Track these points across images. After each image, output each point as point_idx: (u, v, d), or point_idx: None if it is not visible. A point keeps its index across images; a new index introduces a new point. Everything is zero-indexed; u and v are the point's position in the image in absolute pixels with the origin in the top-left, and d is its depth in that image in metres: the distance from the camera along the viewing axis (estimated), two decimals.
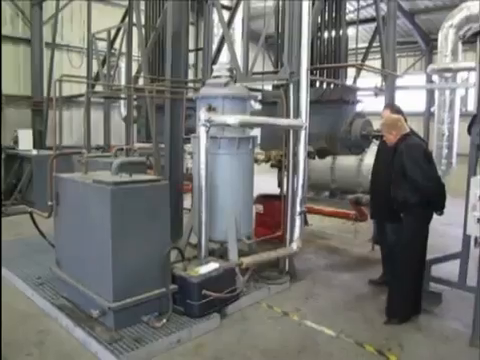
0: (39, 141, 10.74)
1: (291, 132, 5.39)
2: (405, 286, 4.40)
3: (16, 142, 9.73)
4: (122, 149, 7.06)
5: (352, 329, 4.32)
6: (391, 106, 5.46)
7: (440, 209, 4.43)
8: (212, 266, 4.53)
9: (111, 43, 8.89)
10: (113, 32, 8.76)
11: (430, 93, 12.13)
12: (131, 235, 3.99)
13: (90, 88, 8.75)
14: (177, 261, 5.10)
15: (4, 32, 10.86)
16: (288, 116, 5.38)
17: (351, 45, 7.30)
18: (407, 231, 4.37)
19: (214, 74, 5.30)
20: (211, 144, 5.00)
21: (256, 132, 6.59)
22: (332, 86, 6.53)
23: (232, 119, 4.52)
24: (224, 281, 4.49)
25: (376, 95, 6.74)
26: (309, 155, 6.27)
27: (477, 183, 3.95)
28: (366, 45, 7.69)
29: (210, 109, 4.83)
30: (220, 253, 5.42)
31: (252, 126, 4.92)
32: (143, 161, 5.00)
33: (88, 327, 4.00)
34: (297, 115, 5.28)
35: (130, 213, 3.97)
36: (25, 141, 9.67)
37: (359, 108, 6.72)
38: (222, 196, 5.15)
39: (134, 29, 7.71)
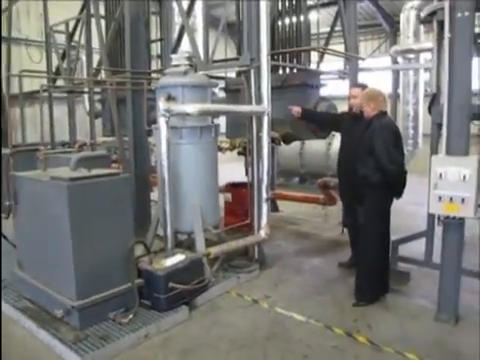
0: (3, 139, 10.36)
1: (254, 119, 5.33)
2: (370, 267, 4.45)
3: None
4: (85, 144, 6.91)
5: (321, 313, 4.34)
6: (361, 85, 5.41)
7: (398, 194, 4.48)
8: (178, 258, 4.48)
9: (71, 36, 8.60)
10: (73, 24, 8.46)
11: (396, 75, 12.24)
12: (92, 231, 3.88)
13: (51, 83, 8.48)
14: (144, 255, 5.03)
15: None
16: (250, 103, 5.32)
17: (315, 30, 7.25)
18: (368, 211, 4.41)
19: (173, 63, 5.18)
20: (173, 134, 4.91)
21: (221, 120, 6.53)
22: (295, 71, 6.48)
23: (191, 108, 4.43)
24: (191, 272, 4.43)
25: (342, 78, 6.74)
26: (274, 141, 6.26)
27: (438, 161, 3.97)
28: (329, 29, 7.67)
29: (169, 99, 4.73)
30: (188, 244, 5.36)
31: (212, 114, 4.85)
32: (104, 155, 4.86)
33: (53, 328, 3.88)
34: (259, 101, 5.23)
35: (89, 209, 3.85)
36: None
37: (325, 92, 6.71)
38: (186, 186, 5.07)
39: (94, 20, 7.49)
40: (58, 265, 3.96)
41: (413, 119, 10.13)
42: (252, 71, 5.25)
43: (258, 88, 5.21)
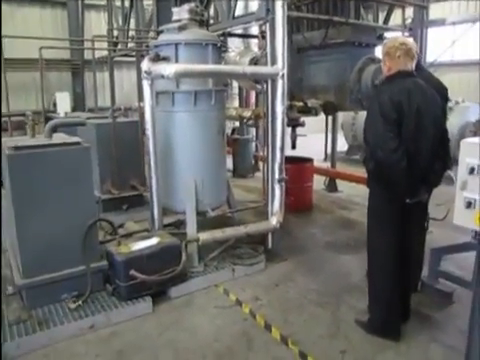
0: (81, 103, 10.82)
1: (269, 83, 4.40)
2: (375, 284, 3.33)
3: (55, 105, 9.85)
4: (120, 109, 6.66)
5: (306, 332, 3.43)
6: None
7: (400, 192, 3.04)
8: (151, 242, 3.92)
9: None
10: None
11: None
12: (41, 206, 3.51)
13: (111, 46, 8.37)
14: (137, 231, 4.65)
15: None
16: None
17: None
18: (369, 206, 3.28)
19: (174, 18, 4.46)
20: (164, 100, 4.30)
21: None
22: (341, 26, 5.23)
23: (169, 68, 3.69)
24: (163, 260, 3.84)
25: (406, 33, 5.32)
26: (310, 111, 5.24)
27: (469, 149, 2.66)
28: None
29: (158, 59, 4.09)
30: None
31: (194, 76, 4.03)
32: (81, 122, 4.43)
33: (6, 304, 3.68)
34: (274, 61, 4.28)
35: (37, 181, 3.46)
36: (63, 104, 9.71)
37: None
38: (180, 160, 4.42)
39: None
40: (14, 240, 3.71)
41: None
42: (267, 25, 4.30)
43: (272, 44, 4.25)
